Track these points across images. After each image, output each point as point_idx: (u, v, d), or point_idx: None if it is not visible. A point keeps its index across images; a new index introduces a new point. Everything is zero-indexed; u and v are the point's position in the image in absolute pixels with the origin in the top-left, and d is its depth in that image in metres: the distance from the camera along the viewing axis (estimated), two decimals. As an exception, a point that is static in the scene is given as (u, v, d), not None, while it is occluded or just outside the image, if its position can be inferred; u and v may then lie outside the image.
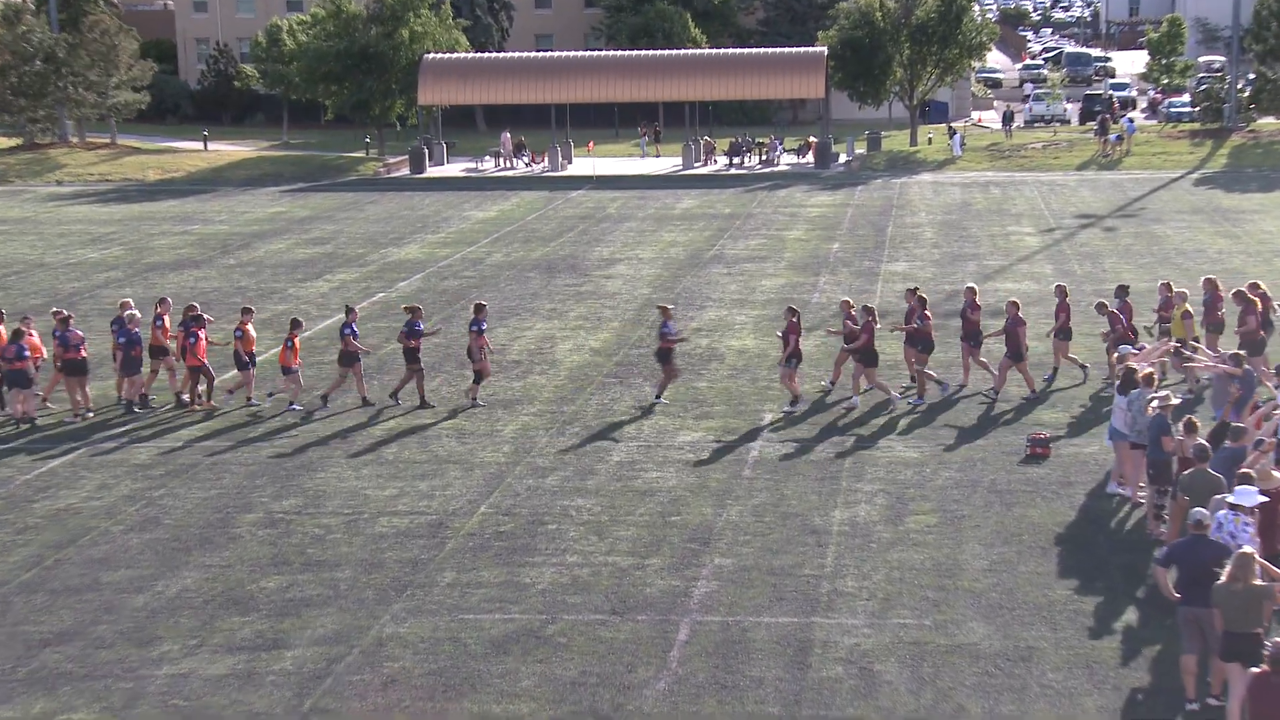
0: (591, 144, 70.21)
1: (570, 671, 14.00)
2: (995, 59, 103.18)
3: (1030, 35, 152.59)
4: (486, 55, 70.49)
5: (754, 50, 70.06)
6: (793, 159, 66.04)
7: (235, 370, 24.04)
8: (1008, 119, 71.97)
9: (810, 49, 67.23)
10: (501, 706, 13.36)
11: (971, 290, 24.03)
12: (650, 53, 68.39)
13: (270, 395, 24.07)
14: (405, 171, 64.85)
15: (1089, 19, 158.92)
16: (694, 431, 22.11)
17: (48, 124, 70.60)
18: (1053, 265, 36.30)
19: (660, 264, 38.35)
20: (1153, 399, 17.35)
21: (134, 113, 72.46)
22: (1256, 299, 23.02)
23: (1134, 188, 52.93)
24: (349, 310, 24.06)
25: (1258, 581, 12.39)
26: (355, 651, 14.56)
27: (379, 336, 28.94)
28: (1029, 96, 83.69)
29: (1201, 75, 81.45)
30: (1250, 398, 17.90)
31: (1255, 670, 11.67)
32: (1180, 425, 16.62)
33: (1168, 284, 24.82)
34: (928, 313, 23.49)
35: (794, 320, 22.88)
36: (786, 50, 67.93)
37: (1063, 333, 24.28)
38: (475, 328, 23.47)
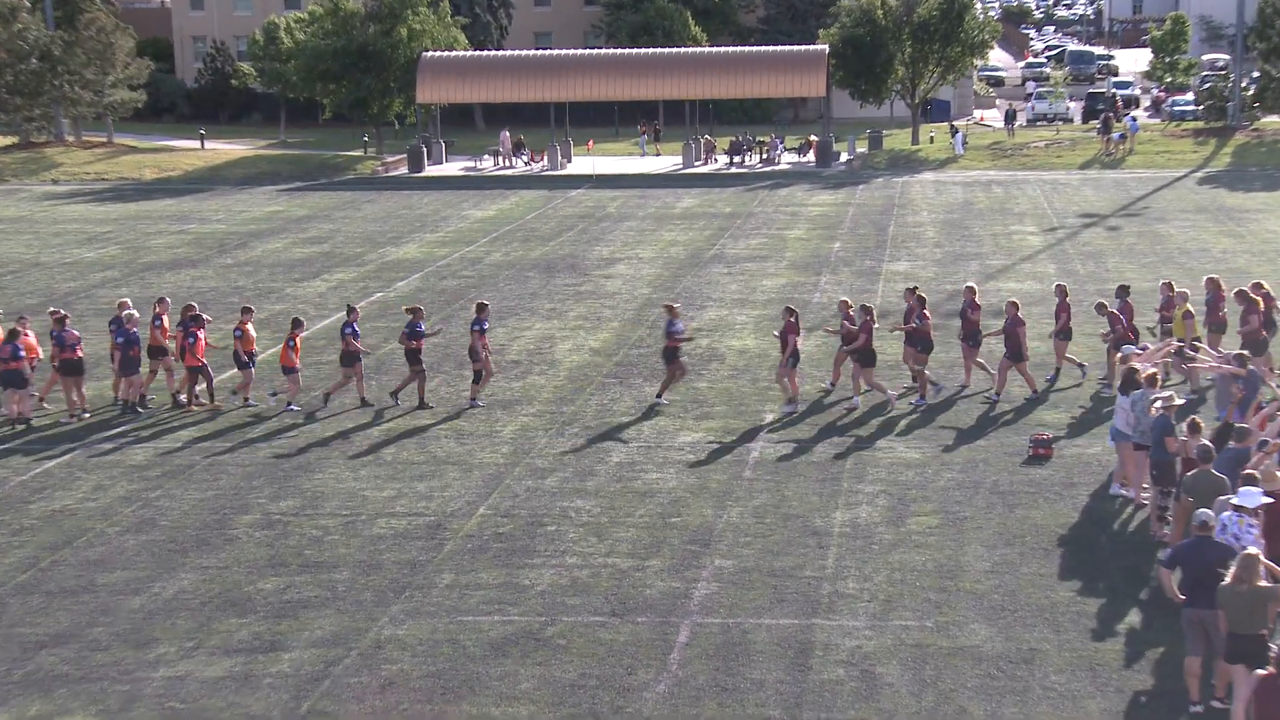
0: (591, 143, 70.11)
1: (570, 674, 13.94)
2: (997, 57, 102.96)
3: (1033, 33, 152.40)
4: (485, 53, 70.36)
5: (755, 48, 70.00)
6: (794, 158, 65.95)
7: (236, 370, 23.93)
8: (1010, 117, 71.84)
9: (811, 47, 67.16)
10: (500, 709, 13.30)
11: (971, 290, 23.93)
12: (650, 51, 68.33)
13: (274, 395, 23.96)
14: (403, 170, 64.75)
15: (1092, 17, 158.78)
16: (694, 432, 22.03)
17: (43, 122, 70.40)
18: (1055, 265, 36.20)
19: (660, 263, 38.26)
20: (1156, 399, 17.26)
21: (130, 111, 72.36)
22: (1259, 298, 22.92)
23: (1137, 187, 52.84)
24: (350, 310, 23.98)
25: (1263, 583, 12.34)
26: (353, 654, 14.49)
27: (377, 336, 28.84)
28: (1031, 95, 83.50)
29: (1205, 73, 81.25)
30: (1254, 398, 17.81)
31: (1261, 673, 11.61)
32: (1184, 426, 16.54)
33: (1169, 283, 24.74)
34: (926, 312, 23.39)
35: (792, 320, 22.78)
36: (787, 48, 67.86)
37: (1063, 333, 24.19)
38: (477, 327, 23.38)
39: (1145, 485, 17.81)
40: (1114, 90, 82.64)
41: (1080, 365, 24.39)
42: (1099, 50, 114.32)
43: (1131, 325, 23.29)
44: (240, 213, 51.14)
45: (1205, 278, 25.38)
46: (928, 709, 13.15)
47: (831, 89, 66.93)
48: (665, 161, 67.00)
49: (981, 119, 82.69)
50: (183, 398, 23.83)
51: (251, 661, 14.35)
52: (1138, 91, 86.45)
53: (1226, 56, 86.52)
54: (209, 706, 13.47)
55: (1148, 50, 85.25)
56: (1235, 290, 23.72)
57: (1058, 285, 25.07)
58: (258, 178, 62.18)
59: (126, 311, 23.88)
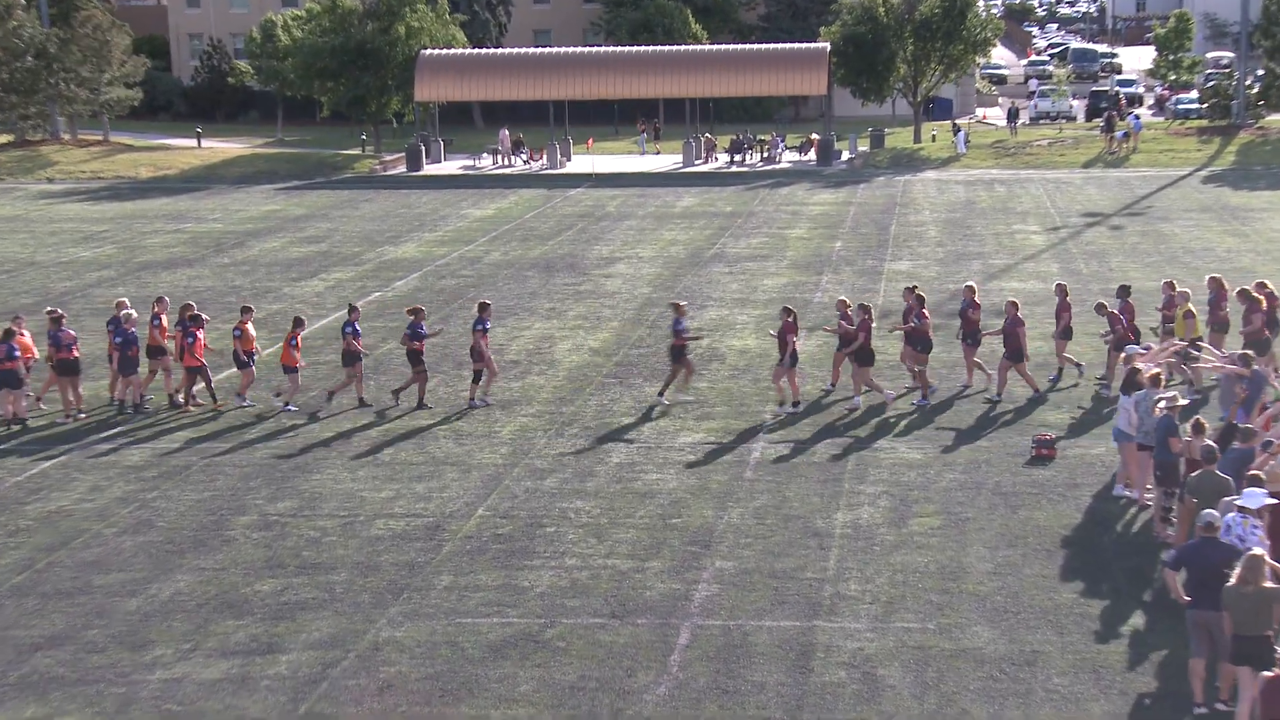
0: (591, 141, 70.02)
1: (569, 676, 13.87)
2: (1000, 55, 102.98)
3: (1036, 31, 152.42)
4: (484, 51, 70.26)
5: (755, 46, 69.92)
6: (795, 156, 65.86)
7: (237, 369, 23.83)
8: (1013, 116, 71.71)
9: (812, 45, 67.05)
10: (499, 711, 13.24)
11: (970, 289, 23.84)
12: (650, 49, 68.24)
13: (278, 395, 23.85)
14: (402, 169, 64.64)
15: (1095, 14, 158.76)
16: (695, 433, 21.93)
17: (39, 121, 70.17)
18: (1059, 264, 36.08)
19: (660, 263, 38.16)
20: (1159, 400, 17.17)
21: (126, 109, 72.20)
22: (1262, 298, 22.82)
23: (1141, 185, 52.73)
24: (351, 309, 23.90)
25: (1268, 584, 12.29)
26: (351, 656, 14.42)
27: (375, 336, 28.73)
28: (1034, 93, 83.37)
29: (1209, 71, 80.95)
30: (1258, 398, 17.71)
31: (1267, 674, 11.56)
32: (1188, 426, 16.46)
33: (1171, 283, 24.63)
34: (925, 311, 23.27)
35: (790, 320, 22.66)
36: (788, 46, 67.69)
37: (1065, 332, 24.09)
38: (480, 326, 23.28)
39: (1149, 486, 17.71)
40: (1117, 88, 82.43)
41: (1077, 365, 24.30)
42: (1102, 48, 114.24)
43: (1132, 325, 23.19)
44: (237, 212, 51.04)
45: (1208, 277, 25.29)
46: (930, 711, 13.08)
47: (833, 87, 66.81)
48: (665, 160, 66.89)
49: (984, 117, 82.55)
50: (179, 398, 23.73)
51: (249, 664, 14.27)
52: (1141, 89, 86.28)
53: (1231, 54, 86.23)
54: (206, 709, 13.40)
55: (1151, 48, 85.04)
56: (1238, 289, 23.63)
57: (1058, 285, 24.97)
58: (255, 176, 62.07)
59: (125, 311, 23.75)
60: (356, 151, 69.85)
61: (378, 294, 34.27)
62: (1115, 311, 23.26)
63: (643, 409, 23.32)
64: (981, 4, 70.44)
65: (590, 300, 32.97)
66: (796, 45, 68.07)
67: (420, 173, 63.42)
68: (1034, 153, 63.01)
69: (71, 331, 23.74)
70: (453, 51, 67.12)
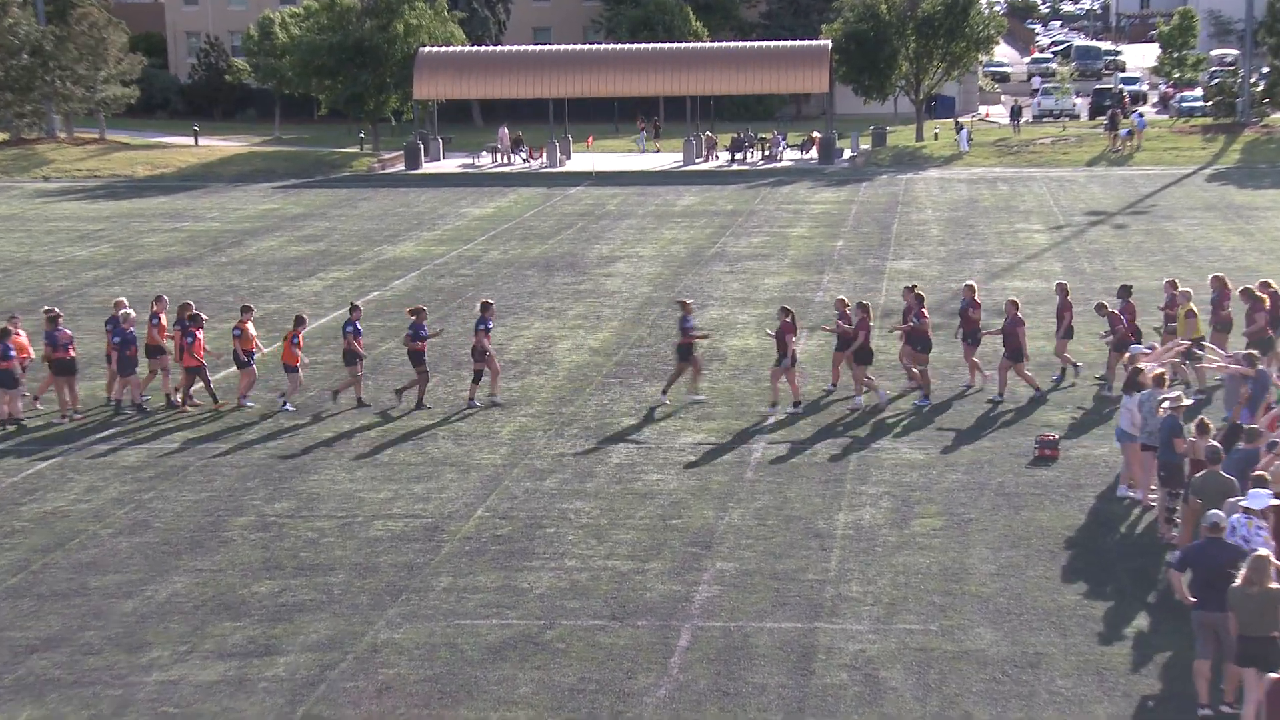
0: (591, 139, 69.95)
1: (569, 678, 13.80)
2: (1003, 53, 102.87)
3: (1039, 28, 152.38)
4: (483, 49, 70.20)
5: (756, 44, 69.82)
6: (796, 155, 65.79)
7: (237, 369, 23.72)
8: (1016, 114, 71.61)
9: (814, 42, 66.95)
10: (499, 714, 13.18)
11: (970, 288, 23.74)
12: (650, 46, 68.14)
13: (281, 396, 23.73)
14: (400, 167, 64.54)
15: (1099, 11, 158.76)
16: (695, 433, 21.84)
17: (35, 119, 69.98)
18: (1062, 263, 35.97)
19: (661, 262, 38.06)
20: (1164, 400, 17.07)
21: (123, 107, 72.00)
22: (1266, 297, 22.71)
23: (1145, 184, 52.62)
24: (353, 307, 23.81)
25: (1274, 585, 12.25)
26: (349, 658, 14.35)
27: (374, 336, 28.62)
28: (1037, 91, 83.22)
29: (1214, 69, 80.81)
30: (1263, 398, 17.62)
31: (1273, 676, 11.49)
32: (1192, 426, 16.37)
33: (1173, 281, 24.53)
34: (924, 310, 23.15)
35: (788, 320, 22.55)
36: (790, 44, 67.59)
37: (1067, 332, 23.98)
38: (483, 326, 23.19)
39: (1153, 487, 17.61)
40: (1121, 86, 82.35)
41: (1075, 365, 24.19)
42: (1106, 45, 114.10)
43: (1133, 325, 23.09)
44: (234, 210, 50.93)
45: (1210, 276, 25.18)
46: (932, 714, 13.02)
47: (834, 85, 66.67)
48: (666, 158, 66.80)
49: (987, 115, 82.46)
50: (176, 398, 23.61)
51: (246, 666, 14.20)
52: (1145, 87, 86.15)
53: (1236, 52, 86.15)
54: (203, 711, 13.33)
55: (1155, 45, 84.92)
56: (1241, 288, 23.52)
57: (1058, 284, 24.86)
58: (252, 175, 61.98)
59: (123, 311, 23.63)
60: (355, 150, 69.78)
61: (376, 293, 34.17)
62: (1116, 312, 23.16)
63: (643, 409, 23.22)
64: (984, 1, 70.22)
65: (590, 299, 32.87)
66: (798, 43, 67.97)
67: (419, 171, 63.32)
68: (1037, 151, 62.91)
69: (68, 331, 23.62)
70: (451, 49, 67.03)
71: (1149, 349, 20.56)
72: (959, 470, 19.73)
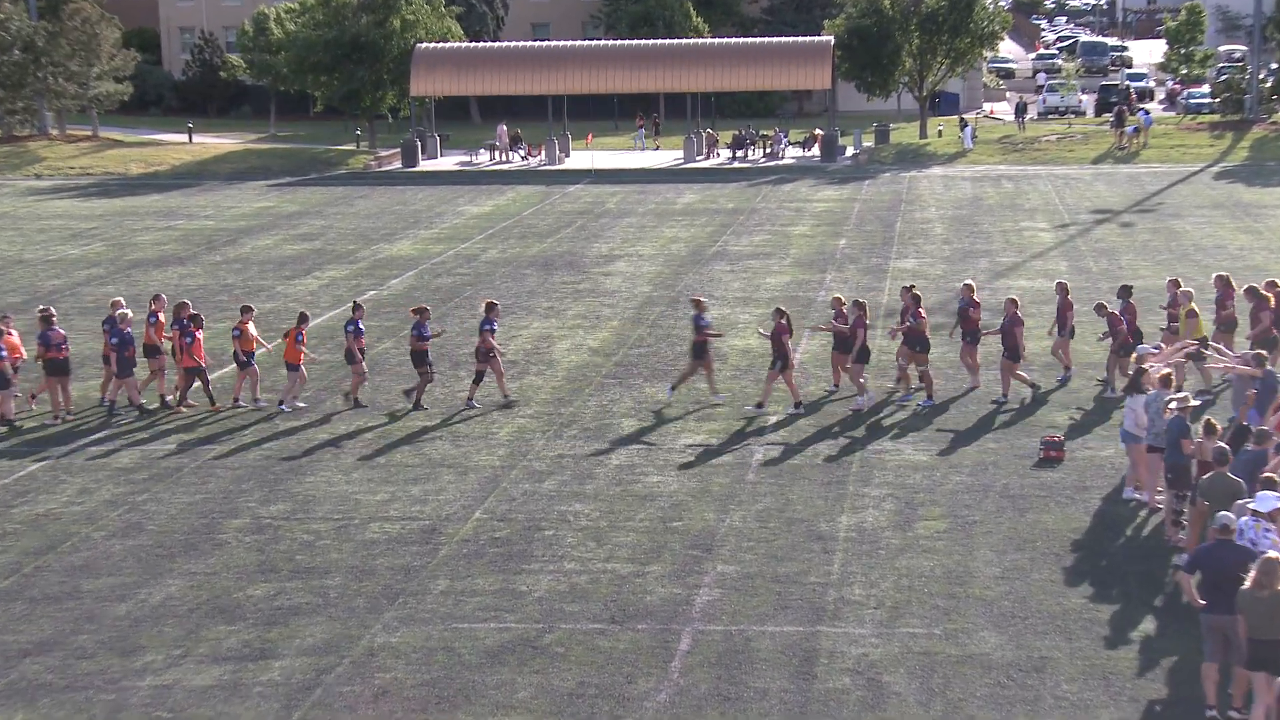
0: (590, 136, 69.84)
1: (568, 682, 13.70)
2: (1008, 49, 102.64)
3: (1044, 24, 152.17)
4: (481, 45, 70.11)
5: (758, 40, 69.67)
6: (798, 152, 65.61)
7: (236, 369, 23.57)
8: (1021, 111, 71.42)
9: (816, 38, 66.78)
10: (497, 718, 13.08)
11: (969, 287, 23.58)
12: (650, 42, 68.05)
13: (281, 403, 23.55)
14: (397, 165, 64.35)
15: (1105, 7, 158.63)
16: (696, 434, 21.69)
17: (26, 116, 69.72)
18: (1067, 262, 35.79)
19: (661, 261, 37.91)
20: (1171, 401, 16.93)
21: (116, 104, 71.78)
22: (1271, 296, 22.55)
23: (1151, 181, 52.46)
24: (355, 306, 23.68)
25: (1283, 588, 12.05)
26: (345, 662, 14.25)
27: (370, 335, 28.36)
28: (1043, 87, 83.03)
29: (1222, 65, 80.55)
30: (1271, 399, 17.44)
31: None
32: (1199, 428, 16.22)
33: (1176, 280, 24.37)
34: (921, 310, 22.97)
35: (783, 321, 22.39)
36: (791, 40, 67.43)
37: (1070, 331, 23.82)
38: (487, 326, 23.03)
39: (1159, 489, 17.46)
40: (1128, 82, 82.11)
41: (1066, 367, 24.00)
42: (1112, 41, 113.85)
43: (1134, 326, 22.91)
44: (229, 208, 50.76)
45: (1214, 275, 25.03)
46: (936, 718, 12.92)
47: (837, 81, 66.50)
48: (666, 156, 66.66)
49: (991, 112, 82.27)
50: (170, 399, 23.43)
51: (241, 670, 14.10)
52: (1152, 84, 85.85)
53: (1244, 48, 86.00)
54: (197, 716, 13.24)
55: (1162, 41, 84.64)
56: (1245, 287, 23.35)
57: (1059, 283, 24.68)
58: (247, 172, 61.83)
59: (120, 311, 23.43)
60: (351, 147, 69.61)
61: (372, 292, 34.00)
62: (1115, 312, 23.00)
63: (643, 410, 23.07)
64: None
65: (589, 299, 32.71)
66: (800, 39, 67.78)
67: (416, 169, 63.12)
68: (1042, 148, 62.74)
69: (61, 331, 23.42)
70: (449, 45, 66.90)
71: (1155, 349, 20.38)
72: (963, 472, 19.59)
